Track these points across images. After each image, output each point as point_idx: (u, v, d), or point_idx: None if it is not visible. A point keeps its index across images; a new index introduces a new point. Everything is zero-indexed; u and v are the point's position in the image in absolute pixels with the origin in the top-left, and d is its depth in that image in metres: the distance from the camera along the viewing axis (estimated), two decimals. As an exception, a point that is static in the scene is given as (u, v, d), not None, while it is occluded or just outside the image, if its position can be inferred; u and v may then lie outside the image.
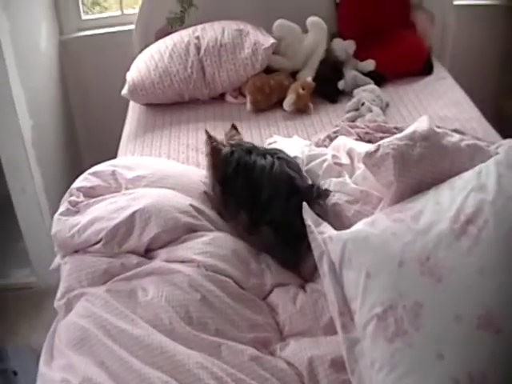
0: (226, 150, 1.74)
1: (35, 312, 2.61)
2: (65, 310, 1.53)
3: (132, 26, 2.83)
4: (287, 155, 1.76)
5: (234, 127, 1.90)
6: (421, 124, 1.71)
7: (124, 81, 2.57)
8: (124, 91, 2.55)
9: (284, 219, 1.62)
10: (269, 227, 1.63)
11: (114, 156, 2.28)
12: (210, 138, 1.78)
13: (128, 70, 2.60)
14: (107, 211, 1.66)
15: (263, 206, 1.64)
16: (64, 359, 1.38)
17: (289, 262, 1.62)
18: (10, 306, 2.69)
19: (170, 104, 2.54)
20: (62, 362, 1.38)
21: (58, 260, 1.75)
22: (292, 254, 1.62)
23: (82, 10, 3.00)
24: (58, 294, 1.60)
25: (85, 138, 3.20)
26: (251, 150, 1.74)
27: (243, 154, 1.72)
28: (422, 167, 1.51)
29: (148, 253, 1.62)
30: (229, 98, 2.55)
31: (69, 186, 1.84)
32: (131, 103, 2.67)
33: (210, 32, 2.55)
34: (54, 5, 2.90)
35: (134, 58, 2.68)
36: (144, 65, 2.55)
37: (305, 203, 1.58)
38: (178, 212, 1.63)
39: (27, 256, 2.71)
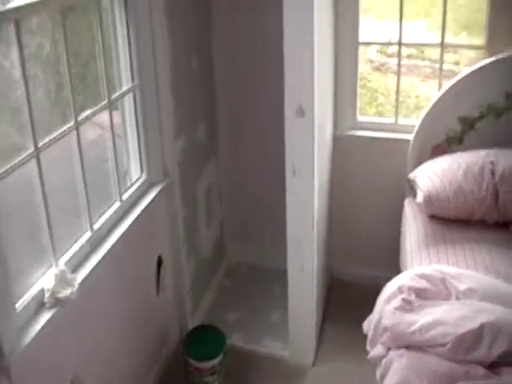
0: None
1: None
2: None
3: (403, 136, 3.06)
4: None
5: None
6: None
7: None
8: (419, 199, 2.69)
9: None
10: None
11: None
12: None
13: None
14: (451, 317, 1.81)
15: None
16: None
17: None
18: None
19: (453, 220, 2.66)
20: None
21: (380, 350, 1.93)
22: None
23: (357, 112, 3.25)
24: (392, 385, 1.76)
25: (338, 223, 3.37)
26: None
27: None
28: None
29: (492, 367, 1.73)
30: (515, 228, 2.62)
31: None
32: (407, 211, 2.85)
33: (504, 159, 2.64)
34: (334, 101, 3.16)
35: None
36: (437, 178, 2.67)
37: None
38: (528, 333, 1.72)
39: (280, 329, 2.84)
